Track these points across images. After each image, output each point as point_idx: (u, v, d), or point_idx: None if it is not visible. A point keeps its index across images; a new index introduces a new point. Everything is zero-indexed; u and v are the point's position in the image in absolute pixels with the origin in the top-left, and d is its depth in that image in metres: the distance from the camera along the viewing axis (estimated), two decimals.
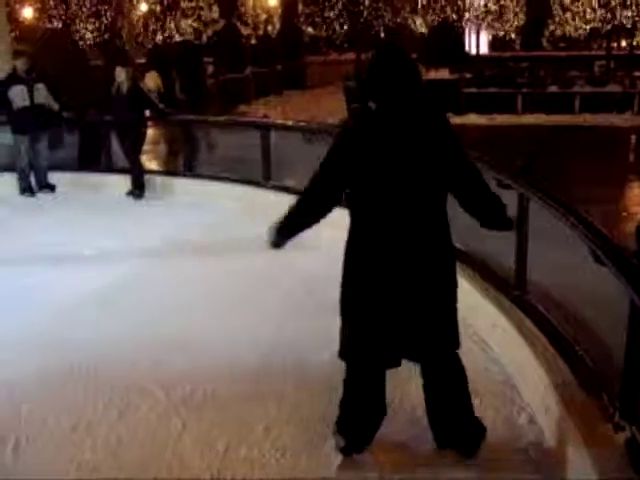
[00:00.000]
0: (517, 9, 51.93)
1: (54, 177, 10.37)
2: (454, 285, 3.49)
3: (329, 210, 3.50)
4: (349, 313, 3.53)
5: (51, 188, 10.37)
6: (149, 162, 11.29)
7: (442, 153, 3.31)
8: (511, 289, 4.92)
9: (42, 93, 10.05)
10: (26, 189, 10.26)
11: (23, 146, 10.13)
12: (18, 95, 9.88)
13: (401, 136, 3.26)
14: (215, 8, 44.55)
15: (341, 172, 3.36)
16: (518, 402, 4.16)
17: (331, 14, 41.96)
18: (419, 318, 3.39)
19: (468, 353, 4.75)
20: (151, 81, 20.96)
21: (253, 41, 41.74)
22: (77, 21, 40.01)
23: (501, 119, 22.40)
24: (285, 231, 3.63)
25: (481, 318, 5.04)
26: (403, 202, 3.29)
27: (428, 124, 3.33)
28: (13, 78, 10.07)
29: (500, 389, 4.31)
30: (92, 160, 11.25)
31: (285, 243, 3.69)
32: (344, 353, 3.59)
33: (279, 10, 48.44)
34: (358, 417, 3.65)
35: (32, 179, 10.32)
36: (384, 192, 3.28)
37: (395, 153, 3.25)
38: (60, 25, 37.23)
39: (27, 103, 9.92)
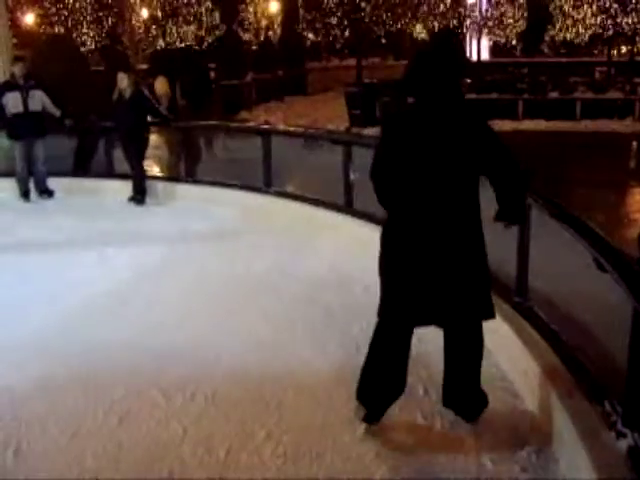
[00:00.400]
0: (518, 15, 52.02)
1: (54, 182, 10.39)
2: (484, 259, 3.77)
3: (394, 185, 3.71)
4: (389, 278, 3.82)
5: (49, 193, 10.41)
6: (151, 168, 11.27)
7: (474, 141, 3.62)
8: (512, 295, 4.92)
9: (38, 100, 10.08)
10: (23, 194, 10.32)
11: (18, 152, 10.22)
12: (11, 102, 9.94)
13: (436, 127, 3.59)
14: (216, 14, 44.63)
15: (390, 155, 3.68)
16: (519, 408, 4.14)
17: (332, 20, 41.98)
18: (451, 287, 3.68)
19: None
20: (161, 86, 21.06)
21: (254, 47, 41.82)
22: (79, 27, 40.04)
23: (501, 125, 22.36)
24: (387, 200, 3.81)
25: (484, 326, 5.02)
26: (438, 183, 3.61)
27: (461, 117, 3.65)
28: (8, 84, 10.14)
29: (501, 396, 4.29)
30: (86, 166, 11.32)
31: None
32: (381, 313, 3.85)
33: (280, 16, 48.52)
34: (380, 379, 3.88)
35: (31, 184, 10.35)
36: (422, 174, 3.62)
37: (431, 141, 3.59)
38: (62, 30, 37.26)
39: (20, 110, 9.98)
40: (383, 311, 3.85)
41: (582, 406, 3.57)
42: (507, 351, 4.59)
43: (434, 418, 4.05)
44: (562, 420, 3.59)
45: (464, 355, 3.91)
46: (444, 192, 3.61)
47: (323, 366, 4.75)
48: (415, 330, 3.88)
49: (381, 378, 3.88)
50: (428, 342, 4.48)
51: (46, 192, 10.41)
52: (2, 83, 10.37)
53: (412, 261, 3.69)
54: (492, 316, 3.84)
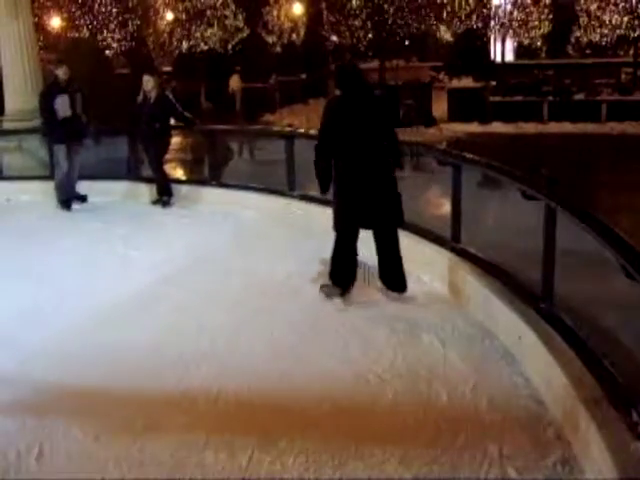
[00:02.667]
0: (543, 16, 51.66)
1: (81, 186, 10.39)
2: (395, 187, 5.91)
3: (332, 154, 5.83)
4: (340, 204, 5.93)
5: (82, 199, 10.23)
6: (175, 171, 11.31)
7: (380, 118, 5.96)
8: (538, 301, 4.86)
9: (80, 103, 10.00)
10: (64, 203, 10.09)
11: (61, 157, 9.99)
12: (61, 105, 9.77)
13: (357, 109, 5.81)
14: (240, 17, 44.76)
15: (331, 130, 5.82)
16: (545, 417, 4.08)
17: (356, 23, 41.91)
18: (376, 205, 5.83)
19: (493, 366, 4.74)
20: (235, 83, 21.11)
21: (278, 50, 41.87)
22: (104, 30, 40.30)
23: (527, 127, 22.25)
24: (323, 182, 5.98)
25: (507, 331, 4.98)
26: (363, 142, 5.77)
27: (372, 103, 5.94)
28: (57, 87, 9.92)
29: (526, 404, 4.24)
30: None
31: (328, 189, 6.00)
32: (337, 226, 6.00)
33: (304, 19, 48.54)
34: (346, 266, 6.02)
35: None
36: (353, 137, 5.76)
37: (355, 118, 5.79)
38: (87, 34, 37.53)
39: (69, 113, 9.83)
40: (338, 223, 5.98)
41: (609, 415, 3.52)
42: (532, 358, 4.54)
43: (457, 426, 4.00)
44: (588, 429, 3.54)
45: (388, 248, 5.97)
46: (366, 148, 5.77)
47: (346, 374, 4.72)
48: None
49: (345, 266, 6.01)
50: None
51: (79, 198, 10.22)
52: (50, 86, 10.18)
53: (352, 191, 5.81)
54: (401, 224, 6.03)
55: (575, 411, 3.75)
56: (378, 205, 5.83)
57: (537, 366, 4.45)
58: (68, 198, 10.08)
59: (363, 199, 5.80)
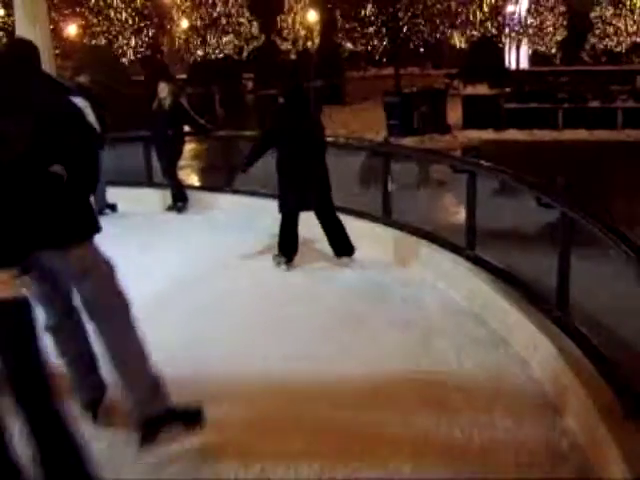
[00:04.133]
0: (557, 23, 51.60)
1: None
2: (327, 173, 7.22)
3: (271, 148, 7.26)
4: (284, 190, 7.15)
5: (112, 208, 10.19)
6: (189, 177, 11.35)
7: (313, 122, 7.44)
8: (553, 310, 4.84)
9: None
10: (100, 211, 10.00)
11: None
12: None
13: (298, 114, 7.14)
14: (255, 24, 44.98)
15: (276, 131, 7.23)
16: (560, 426, 4.05)
17: (370, 30, 42.02)
18: (314, 189, 7.09)
19: (508, 373, 4.72)
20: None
21: (293, 57, 42.03)
22: (120, 37, 40.60)
23: (541, 135, 22.19)
24: (249, 164, 7.48)
25: (522, 339, 4.96)
26: (303, 143, 7.00)
27: (307, 110, 7.40)
28: (70, 92, 9.99)
29: (541, 412, 4.22)
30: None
31: (249, 169, 7.56)
32: (283, 209, 7.16)
33: (318, 26, 48.68)
34: (291, 241, 7.22)
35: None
36: (295, 139, 6.99)
37: (297, 122, 7.06)
38: (103, 41, 37.79)
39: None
40: (284, 206, 7.15)
41: (625, 425, 3.49)
42: (548, 367, 4.52)
43: (472, 434, 3.98)
44: (604, 439, 3.51)
45: (330, 223, 7.25)
46: (305, 145, 7.01)
47: (357, 378, 4.71)
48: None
49: (289, 239, 7.20)
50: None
51: (109, 206, 10.17)
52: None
53: (295, 176, 7.02)
54: (332, 204, 7.30)
55: (591, 421, 3.72)
56: (314, 190, 7.12)
57: (552, 375, 4.43)
58: (102, 207, 10.00)
59: (303, 186, 7.07)
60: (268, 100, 28.22)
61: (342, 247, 7.23)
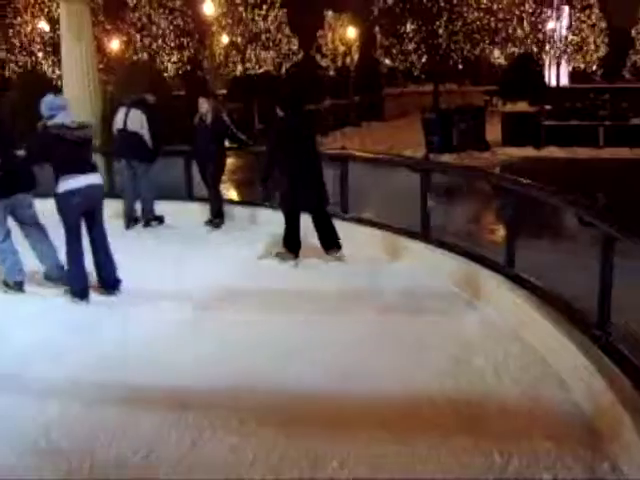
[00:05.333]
0: (598, 40, 51.18)
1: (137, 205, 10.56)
2: (322, 178, 8.10)
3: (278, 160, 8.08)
4: (286, 193, 8.05)
5: (159, 220, 10.40)
6: (228, 191, 11.44)
7: (311, 131, 8.49)
8: (593, 328, 4.79)
9: (138, 121, 10.17)
10: (128, 223, 10.31)
11: (125, 172, 10.43)
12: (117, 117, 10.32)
13: (296, 124, 8.06)
14: (294, 40, 45.28)
15: (279, 142, 8.05)
16: (600, 449, 3.98)
17: (409, 46, 42.05)
18: (312, 192, 7.94)
19: (547, 393, 4.66)
20: None
21: (331, 73, 42.19)
22: (161, 53, 41.13)
23: (582, 152, 21.97)
24: (265, 180, 8.47)
25: (562, 359, 4.90)
26: (302, 150, 7.93)
27: (305, 119, 8.50)
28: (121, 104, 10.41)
29: (580, 434, 4.15)
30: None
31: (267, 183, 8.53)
32: (285, 209, 8.09)
33: (357, 42, 48.86)
34: (295, 238, 8.03)
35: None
36: (295, 146, 7.89)
37: (296, 131, 7.99)
38: (145, 57, 38.31)
39: (119, 126, 10.21)
40: (286, 207, 8.07)
41: None
42: (587, 388, 4.46)
43: (511, 455, 3.94)
44: None
45: (323, 223, 8.05)
46: (303, 150, 7.93)
47: (397, 394, 4.70)
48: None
49: (294, 237, 8.02)
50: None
51: (156, 219, 10.41)
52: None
53: (295, 181, 7.89)
54: (328, 203, 8.16)
55: (631, 443, 3.67)
56: (312, 192, 7.97)
57: (592, 396, 4.37)
58: (130, 219, 10.31)
59: (302, 189, 7.91)
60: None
61: (331, 244, 8.06)
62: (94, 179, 6.82)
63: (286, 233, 8.04)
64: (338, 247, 8.05)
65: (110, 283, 7.01)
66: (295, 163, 7.87)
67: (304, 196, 7.91)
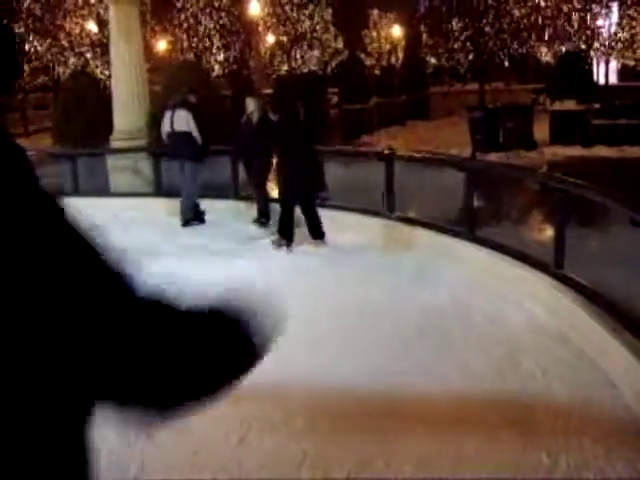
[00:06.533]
0: None
1: (177, 203, 10.68)
2: (312, 168, 8.98)
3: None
4: (283, 180, 9.11)
5: (200, 219, 10.62)
6: (273, 191, 11.48)
7: (304, 129, 9.22)
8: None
9: (184, 121, 10.37)
10: (186, 222, 10.51)
11: (179, 173, 10.60)
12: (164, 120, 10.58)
13: (287, 125, 9.17)
14: (340, 39, 45.27)
15: (277, 137, 9.28)
16: None
17: (455, 45, 41.76)
18: (303, 180, 8.76)
19: (597, 397, 4.60)
20: None
21: (377, 72, 42.09)
22: (207, 53, 41.45)
23: (631, 152, 21.56)
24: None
25: (612, 362, 4.83)
26: (291, 142, 8.86)
27: (296, 120, 9.27)
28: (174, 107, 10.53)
29: (632, 439, 4.09)
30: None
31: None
32: (282, 195, 9.08)
33: (403, 41, 48.66)
34: (289, 226, 8.78)
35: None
36: (286, 145, 8.97)
37: (286, 132, 9.02)
38: (192, 57, 38.66)
39: (167, 129, 10.43)
40: (283, 193, 9.06)
41: None
42: (637, 389, 4.39)
43: (559, 458, 3.90)
44: None
45: (309, 213, 8.84)
46: (294, 145, 8.80)
47: (443, 397, 4.68)
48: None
49: (287, 223, 8.79)
50: None
51: (198, 219, 10.67)
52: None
53: (289, 171, 8.89)
54: (323, 189, 9.69)
55: None
56: (300, 179, 8.76)
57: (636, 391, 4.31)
58: (188, 218, 10.49)
59: (297, 177, 8.76)
60: (352, 114, 28.35)
61: (317, 233, 8.88)
62: None
63: (280, 221, 8.91)
64: (321, 237, 8.88)
65: None
66: (287, 160, 8.98)
67: (295, 184, 8.82)
